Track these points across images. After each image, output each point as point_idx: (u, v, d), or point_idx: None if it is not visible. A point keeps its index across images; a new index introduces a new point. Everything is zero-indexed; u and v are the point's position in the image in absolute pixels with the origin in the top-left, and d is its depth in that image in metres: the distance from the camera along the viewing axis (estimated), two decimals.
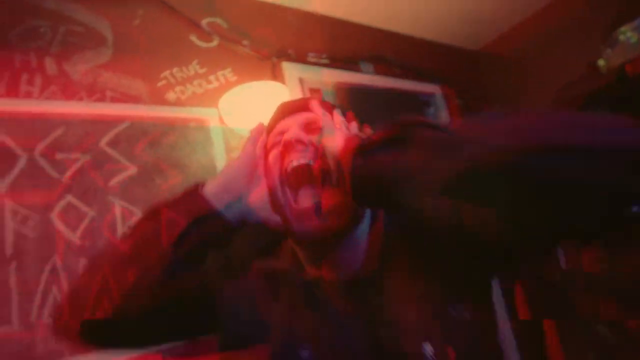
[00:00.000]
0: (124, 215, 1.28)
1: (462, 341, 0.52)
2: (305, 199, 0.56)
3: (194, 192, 0.58)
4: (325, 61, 1.99)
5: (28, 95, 1.26)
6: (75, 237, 1.19)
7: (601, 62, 2.06)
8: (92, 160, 1.28)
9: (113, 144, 1.34)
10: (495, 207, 0.46)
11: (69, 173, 1.24)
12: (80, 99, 1.34)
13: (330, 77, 1.96)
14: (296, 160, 0.57)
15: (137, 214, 1.29)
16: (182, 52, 1.61)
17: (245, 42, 1.78)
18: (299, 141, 0.57)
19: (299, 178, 0.56)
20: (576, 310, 1.88)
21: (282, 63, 1.84)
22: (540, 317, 2.22)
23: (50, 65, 1.32)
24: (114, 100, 1.39)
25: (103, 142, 1.33)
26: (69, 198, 1.21)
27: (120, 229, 1.26)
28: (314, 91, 1.89)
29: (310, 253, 0.61)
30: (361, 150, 0.49)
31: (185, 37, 1.63)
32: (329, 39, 2.05)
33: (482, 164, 0.40)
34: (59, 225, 1.18)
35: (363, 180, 0.49)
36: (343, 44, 2.09)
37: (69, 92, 1.33)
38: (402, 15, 2.19)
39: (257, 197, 0.58)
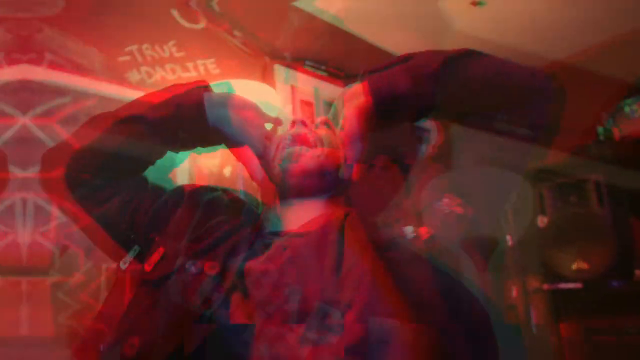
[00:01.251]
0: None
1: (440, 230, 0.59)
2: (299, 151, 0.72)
3: (200, 83, 0.69)
4: (324, 73, 1.74)
5: None
6: None
7: (600, 130, 1.99)
8: None
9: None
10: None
11: None
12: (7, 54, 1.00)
13: (327, 92, 1.71)
14: (298, 129, 0.73)
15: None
16: (159, 27, 1.31)
17: (236, 32, 1.50)
18: (304, 122, 0.74)
19: (295, 140, 0.71)
20: None
21: (275, 65, 1.57)
22: None
23: None
24: (52, 66, 1.06)
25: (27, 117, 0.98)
26: None
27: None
28: (307, 104, 1.63)
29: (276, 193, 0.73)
30: (371, 71, 0.66)
31: (166, 9, 1.32)
32: (332, 49, 1.81)
33: (428, 63, 0.62)
34: None
35: (378, 85, 0.64)
36: (348, 59, 1.85)
37: None
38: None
39: (254, 128, 0.70)
